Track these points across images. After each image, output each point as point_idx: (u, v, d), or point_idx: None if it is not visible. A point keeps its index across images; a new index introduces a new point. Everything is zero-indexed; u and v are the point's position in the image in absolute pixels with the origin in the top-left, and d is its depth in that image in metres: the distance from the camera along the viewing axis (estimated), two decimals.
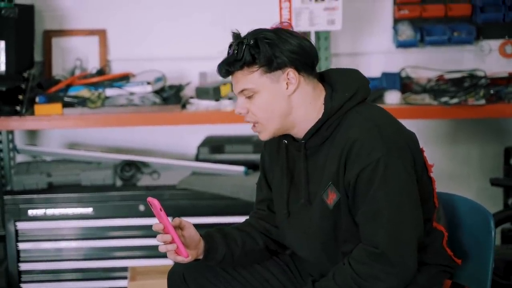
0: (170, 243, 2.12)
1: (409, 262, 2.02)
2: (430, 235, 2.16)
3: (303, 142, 2.15)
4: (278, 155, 2.27)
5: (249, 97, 2.13)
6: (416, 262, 2.04)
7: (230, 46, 2.12)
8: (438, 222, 2.19)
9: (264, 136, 2.17)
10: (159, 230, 2.12)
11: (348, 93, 2.12)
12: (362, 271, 2.02)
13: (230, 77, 2.16)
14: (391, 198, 2.01)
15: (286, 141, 2.21)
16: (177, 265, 2.33)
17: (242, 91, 2.13)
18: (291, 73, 2.09)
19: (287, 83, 2.10)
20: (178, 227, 2.17)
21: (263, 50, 2.07)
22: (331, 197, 2.09)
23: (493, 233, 2.22)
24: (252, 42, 2.07)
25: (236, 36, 2.12)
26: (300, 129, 2.15)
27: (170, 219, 2.12)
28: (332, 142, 2.10)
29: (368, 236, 2.03)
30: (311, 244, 2.18)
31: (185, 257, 2.14)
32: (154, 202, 2.07)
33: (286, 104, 2.12)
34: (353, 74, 2.20)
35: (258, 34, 2.09)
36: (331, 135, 2.11)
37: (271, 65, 2.08)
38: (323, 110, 2.12)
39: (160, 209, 2.07)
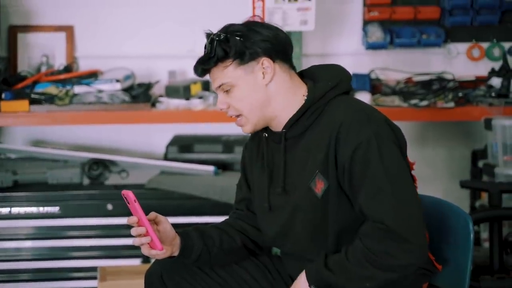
0: (145, 235, 2.09)
1: (421, 236, 1.98)
2: None
3: (283, 131, 2.14)
4: (258, 152, 2.26)
5: (228, 92, 2.13)
6: (426, 237, 2.01)
7: (205, 46, 2.12)
8: None
9: (247, 129, 2.16)
10: (133, 224, 2.09)
11: (331, 83, 2.12)
12: (373, 248, 1.98)
13: (201, 76, 2.16)
14: (390, 174, 1.99)
15: (266, 134, 2.20)
16: (154, 265, 2.30)
17: (219, 86, 2.13)
18: (265, 62, 2.09)
19: (263, 73, 2.10)
20: (154, 222, 2.15)
21: (234, 43, 2.07)
22: (319, 186, 2.07)
23: (471, 235, 2.22)
24: (222, 37, 2.08)
25: (208, 35, 2.13)
26: (280, 120, 2.14)
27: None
28: (313, 132, 2.09)
29: (375, 214, 1.98)
30: (297, 235, 2.15)
31: (160, 250, 2.11)
32: (129, 194, 2.04)
33: (265, 93, 2.11)
34: (336, 67, 2.21)
35: (228, 29, 2.11)
36: (312, 124, 2.11)
37: (244, 57, 2.09)
38: (303, 102, 2.11)
39: (135, 201, 2.04)
